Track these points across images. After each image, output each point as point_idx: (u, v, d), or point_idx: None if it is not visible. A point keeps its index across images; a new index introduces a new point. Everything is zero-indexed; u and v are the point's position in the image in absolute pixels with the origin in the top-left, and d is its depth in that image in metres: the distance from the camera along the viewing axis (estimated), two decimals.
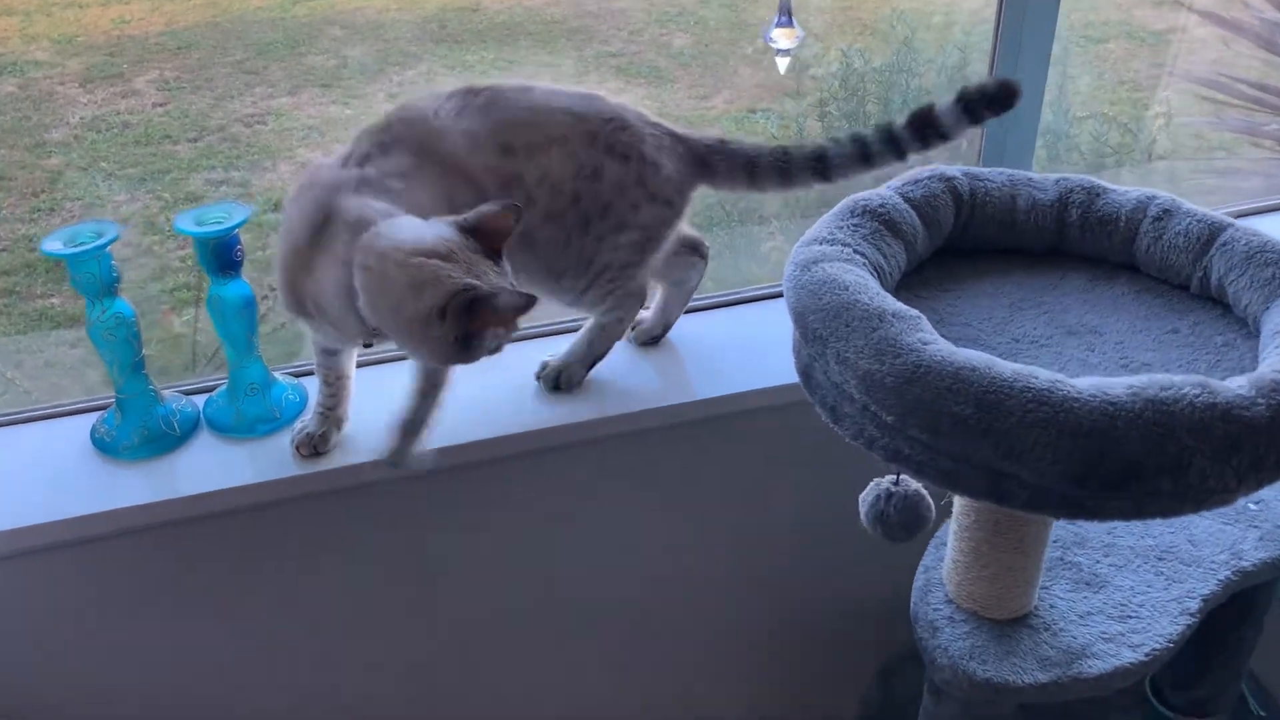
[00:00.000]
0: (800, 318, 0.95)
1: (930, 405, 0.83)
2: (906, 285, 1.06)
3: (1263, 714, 1.30)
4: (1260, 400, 0.80)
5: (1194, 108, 2.87)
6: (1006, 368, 0.83)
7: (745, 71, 3.44)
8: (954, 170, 1.10)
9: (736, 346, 1.32)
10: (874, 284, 0.93)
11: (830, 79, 2.72)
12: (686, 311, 1.32)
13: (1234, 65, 3.08)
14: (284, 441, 1.16)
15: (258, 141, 2.66)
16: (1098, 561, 1.15)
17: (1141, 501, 0.81)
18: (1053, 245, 1.10)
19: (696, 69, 3.42)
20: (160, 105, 2.70)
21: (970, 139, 1.41)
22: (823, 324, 0.91)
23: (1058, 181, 1.10)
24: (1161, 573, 1.13)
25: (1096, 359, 0.95)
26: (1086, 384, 0.81)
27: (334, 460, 1.15)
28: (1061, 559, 1.15)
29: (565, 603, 1.39)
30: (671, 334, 1.31)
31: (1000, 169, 1.11)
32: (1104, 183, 1.09)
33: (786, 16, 1.13)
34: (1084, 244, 1.09)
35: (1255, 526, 1.18)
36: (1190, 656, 1.24)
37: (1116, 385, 0.81)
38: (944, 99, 1.11)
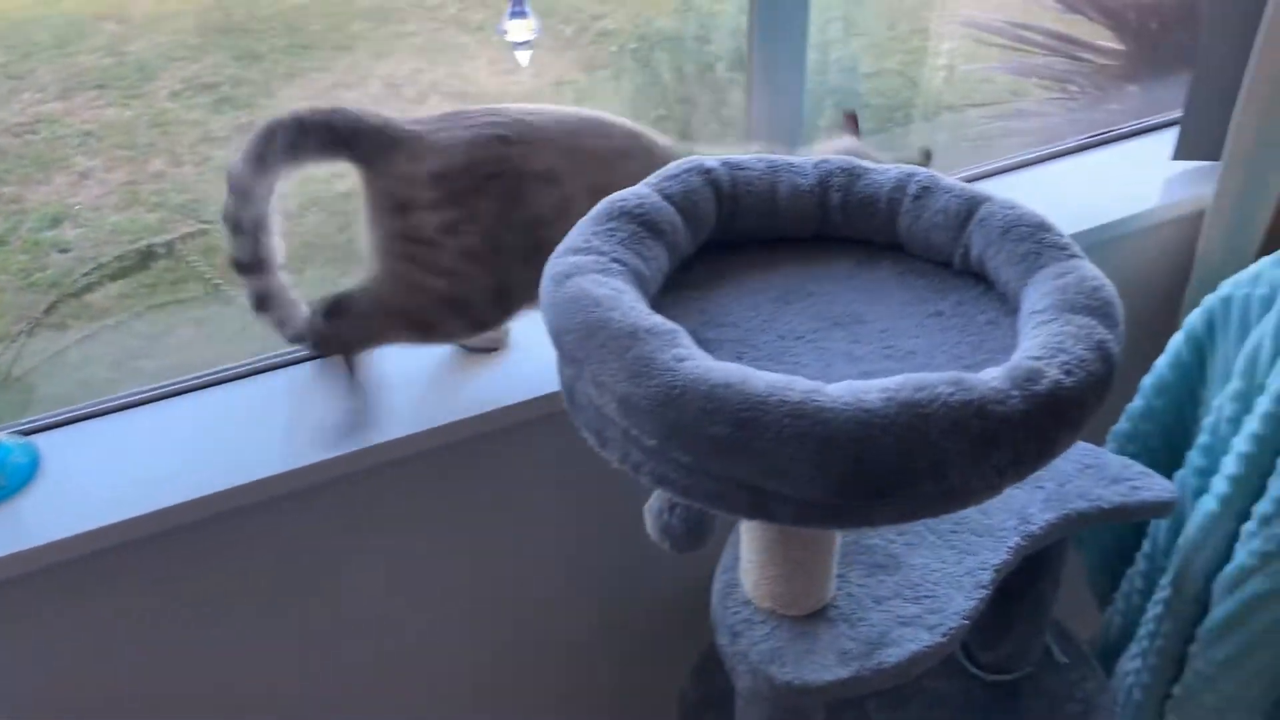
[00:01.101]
0: (556, 337, 0.87)
1: (688, 428, 0.77)
2: (674, 286, 1.00)
3: (1066, 660, 1.32)
4: (1015, 392, 0.76)
5: (981, 54, 2.93)
6: (761, 381, 0.77)
7: (549, 42, 3.34)
8: (712, 161, 1.04)
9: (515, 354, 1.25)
10: (630, 297, 0.87)
11: (622, 51, 2.66)
12: None
13: (1006, 9, 3.16)
14: (14, 510, 1.03)
15: (29, 152, 2.43)
16: (892, 541, 1.12)
17: (907, 507, 0.78)
18: (818, 230, 1.05)
19: (500, 43, 3.30)
20: None
21: (736, 110, 1.36)
22: (576, 344, 0.84)
23: (817, 165, 1.05)
24: (954, 546, 1.12)
25: (862, 350, 0.91)
26: (843, 390, 0.77)
27: (77, 525, 1.03)
28: (856, 542, 1.12)
29: (360, 633, 1.30)
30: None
31: (760, 155, 1.06)
32: (864, 163, 1.05)
33: (520, 6, 1.04)
34: (848, 227, 1.04)
35: (1040, 487, 1.18)
36: (993, 618, 1.24)
37: (872, 390, 0.76)
38: None
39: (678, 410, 0.77)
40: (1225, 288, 1.21)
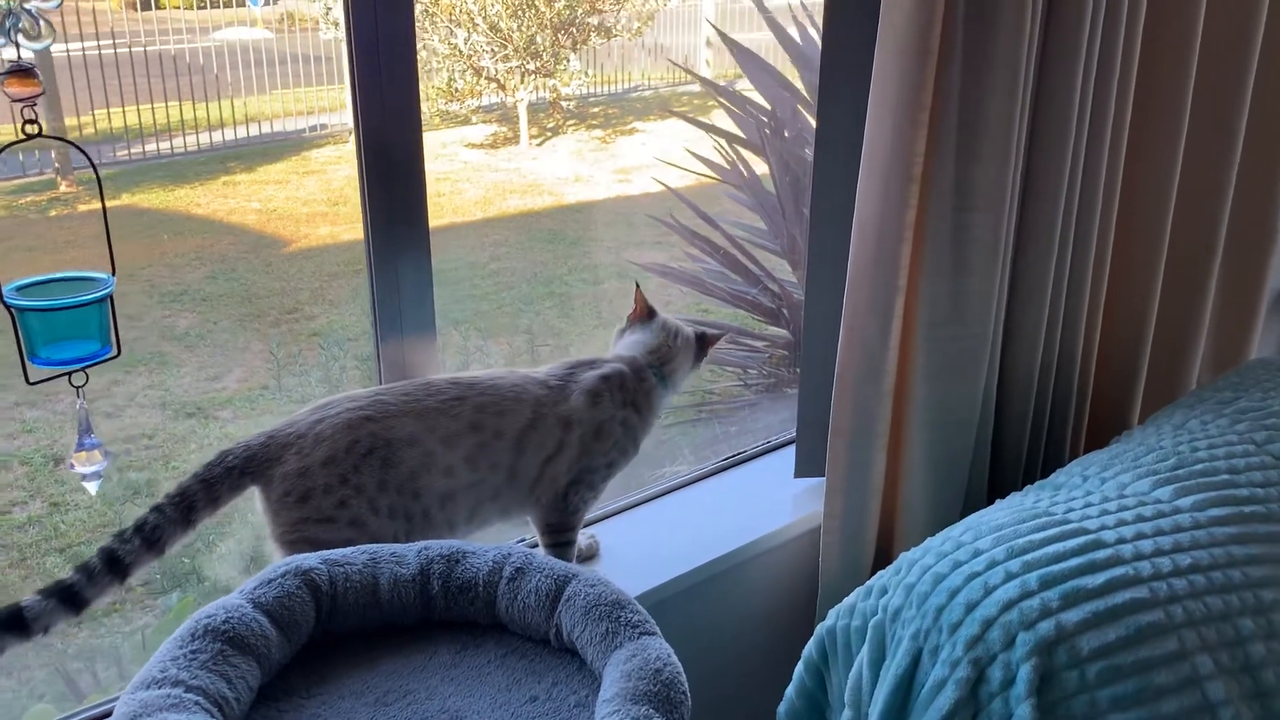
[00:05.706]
0: None
1: None
2: (269, 697, 0.97)
3: None
4: None
5: None
6: None
7: (256, 347, 3.36)
8: (312, 559, 1.05)
9: None
10: None
11: None
12: None
13: (678, 305, 3.50)
14: None
15: None
16: None
17: None
18: (422, 616, 1.07)
19: (205, 349, 3.29)
20: None
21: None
22: None
23: (419, 552, 1.08)
24: None
25: None
26: None
27: None
28: None
29: None
30: None
31: (363, 547, 1.09)
32: (466, 546, 1.09)
33: (89, 438, 1.05)
34: (451, 612, 1.06)
35: None
36: None
37: None
38: None
39: None
40: (831, 617, 1.30)
